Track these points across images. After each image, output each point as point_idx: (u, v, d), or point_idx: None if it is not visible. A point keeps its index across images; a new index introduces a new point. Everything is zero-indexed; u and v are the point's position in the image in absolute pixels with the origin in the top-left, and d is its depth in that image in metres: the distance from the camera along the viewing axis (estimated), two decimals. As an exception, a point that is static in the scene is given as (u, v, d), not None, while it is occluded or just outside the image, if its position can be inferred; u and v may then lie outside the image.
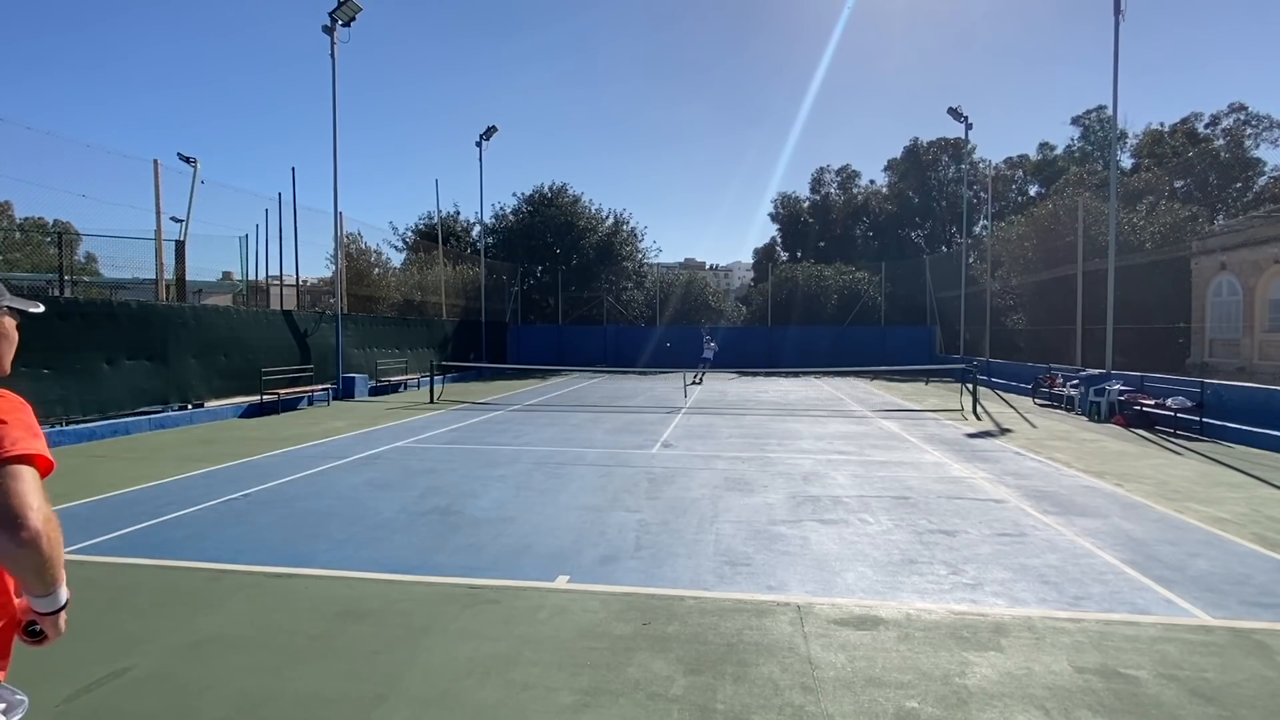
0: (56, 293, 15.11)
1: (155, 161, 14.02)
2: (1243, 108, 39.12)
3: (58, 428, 11.04)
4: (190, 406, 13.99)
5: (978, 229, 41.67)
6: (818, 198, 48.21)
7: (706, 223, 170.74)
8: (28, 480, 1.45)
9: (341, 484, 8.13)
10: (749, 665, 3.67)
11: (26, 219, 30.37)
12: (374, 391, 20.12)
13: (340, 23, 17.96)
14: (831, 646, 3.89)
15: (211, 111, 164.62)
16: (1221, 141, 38.46)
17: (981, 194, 42.12)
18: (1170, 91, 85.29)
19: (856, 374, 28.73)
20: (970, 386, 15.99)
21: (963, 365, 18.74)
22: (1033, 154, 47.94)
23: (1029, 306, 28.41)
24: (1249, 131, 38.55)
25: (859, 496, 7.54)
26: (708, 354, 24.41)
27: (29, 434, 1.52)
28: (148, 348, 13.15)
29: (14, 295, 1.70)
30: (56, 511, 1.49)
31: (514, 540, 5.91)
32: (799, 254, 45.86)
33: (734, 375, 28.34)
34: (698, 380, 23.51)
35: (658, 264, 43.63)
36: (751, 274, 54.59)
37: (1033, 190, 45.60)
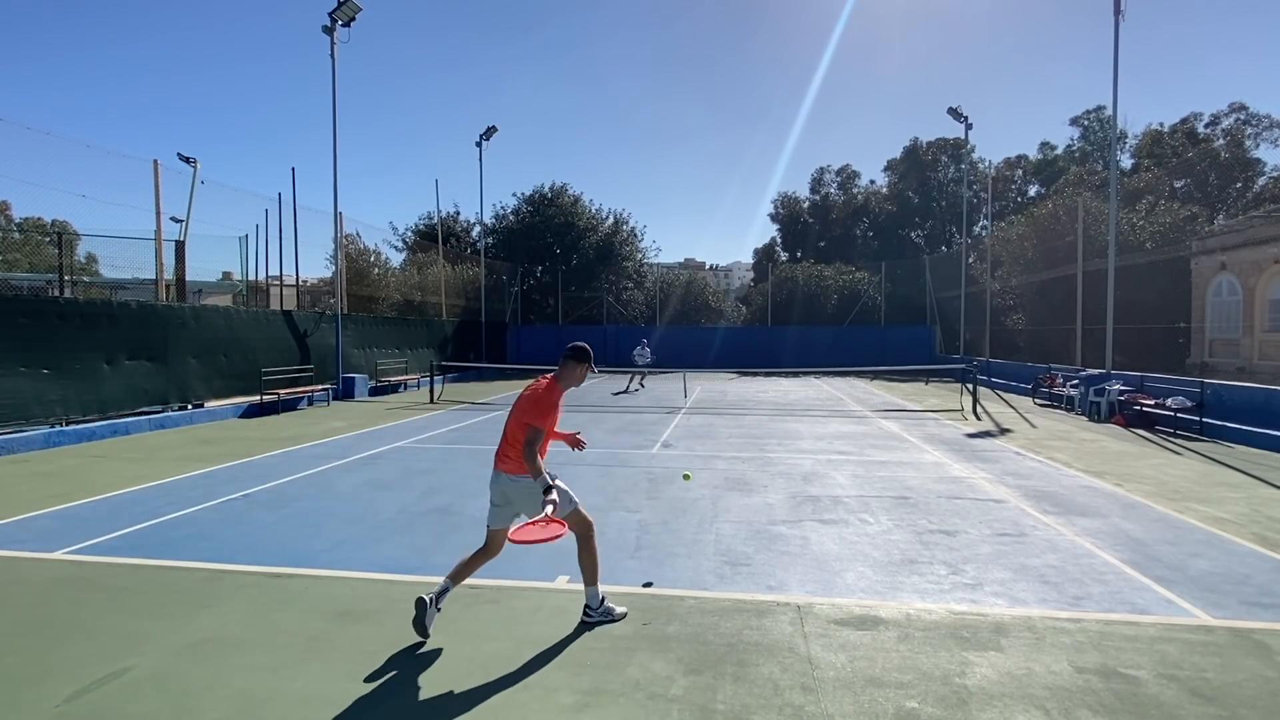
0: (56, 293, 15.10)
1: (155, 162, 14.02)
2: (1243, 107, 39.16)
3: (58, 428, 11.04)
4: (190, 406, 13.99)
5: (978, 229, 41.66)
6: (817, 198, 48.21)
7: (706, 223, 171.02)
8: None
9: (341, 484, 8.13)
10: (749, 665, 3.67)
11: (25, 219, 30.37)
12: (374, 392, 20.12)
13: (340, 23, 17.97)
14: (831, 646, 3.89)
15: (210, 109, 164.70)
16: (1221, 141, 38.43)
17: (981, 194, 42.12)
18: (1170, 91, 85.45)
19: (856, 374, 28.73)
20: (970, 386, 15.99)
21: (963, 365, 18.75)
22: (1032, 154, 47.97)
23: (1029, 306, 28.41)
24: (1249, 131, 38.56)
25: (859, 496, 7.54)
26: (645, 358, 22.46)
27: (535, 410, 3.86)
28: (148, 348, 13.15)
29: None
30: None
31: (514, 540, 5.90)
32: (799, 254, 45.85)
33: (734, 375, 28.34)
34: (634, 388, 21.88)
35: (658, 264, 43.64)
36: (751, 274, 54.58)
37: (1033, 190, 45.58)
